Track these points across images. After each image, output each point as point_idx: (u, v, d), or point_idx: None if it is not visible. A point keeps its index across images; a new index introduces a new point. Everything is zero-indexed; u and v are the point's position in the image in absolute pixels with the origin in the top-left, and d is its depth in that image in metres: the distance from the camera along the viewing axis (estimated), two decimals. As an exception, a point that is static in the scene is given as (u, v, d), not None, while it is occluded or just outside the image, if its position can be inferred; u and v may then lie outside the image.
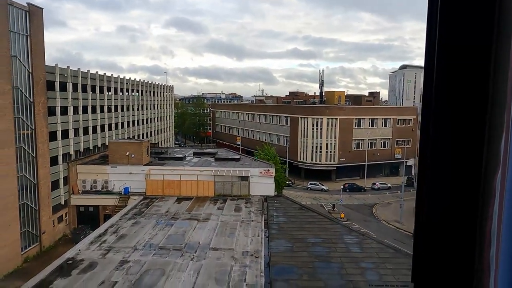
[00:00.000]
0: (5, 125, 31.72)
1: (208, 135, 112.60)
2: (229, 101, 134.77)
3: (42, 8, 37.46)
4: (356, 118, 73.20)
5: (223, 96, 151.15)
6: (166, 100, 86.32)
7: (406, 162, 63.73)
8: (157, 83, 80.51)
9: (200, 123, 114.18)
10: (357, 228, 39.12)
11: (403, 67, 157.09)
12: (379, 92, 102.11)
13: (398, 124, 76.91)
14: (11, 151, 32.28)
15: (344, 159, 71.27)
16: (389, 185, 66.80)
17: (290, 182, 66.65)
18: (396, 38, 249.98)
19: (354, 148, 73.01)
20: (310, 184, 66.49)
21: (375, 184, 67.50)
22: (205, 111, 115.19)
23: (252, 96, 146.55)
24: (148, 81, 75.27)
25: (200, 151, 51.81)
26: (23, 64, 34.52)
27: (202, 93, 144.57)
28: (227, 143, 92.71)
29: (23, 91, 34.48)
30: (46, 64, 38.49)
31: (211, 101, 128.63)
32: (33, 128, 35.51)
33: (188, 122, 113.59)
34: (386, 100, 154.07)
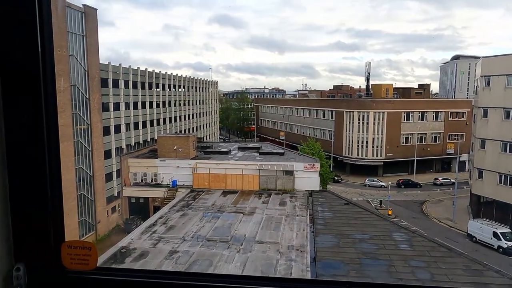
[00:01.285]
0: (65, 120, 33.85)
1: (251, 130, 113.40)
2: (273, 96, 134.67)
3: (96, 9, 39.44)
4: (404, 112, 70.44)
5: (266, 90, 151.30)
6: (211, 96, 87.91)
7: (459, 157, 60.42)
8: (202, 79, 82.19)
9: (244, 118, 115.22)
10: (406, 225, 37.81)
11: (456, 57, 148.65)
12: (429, 84, 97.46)
13: (450, 117, 73.07)
14: (69, 144, 34.43)
15: (391, 154, 68.94)
16: (452, 180, 63.01)
17: (338, 178, 65.44)
18: (447, 27, 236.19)
19: (403, 143, 70.37)
20: (368, 180, 64.29)
21: (437, 179, 64.57)
22: (249, 106, 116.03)
23: (295, 91, 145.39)
24: (193, 77, 77.01)
25: (244, 145, 52.33)
26: (79, 63, 36.56)
27: (246, 88, 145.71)
28: (270, 138, 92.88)
29: (80, 88, 36.55)
30: (99, 62, 40.54)
31: (255, 96, 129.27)
32: (89, 123, 37.59)
33: (232, 117, 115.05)
34: (437, 93, 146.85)
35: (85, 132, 37.30)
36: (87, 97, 37.42)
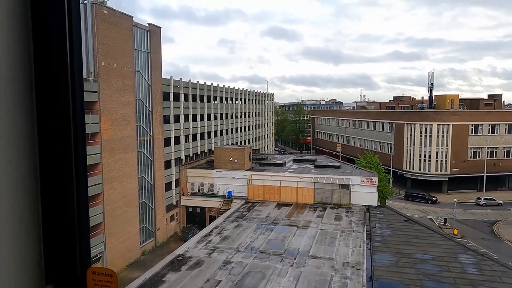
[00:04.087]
0: (130, 132, 36.03)
1: (307, 142, 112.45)
2: (329, 108, 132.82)
3: (160, 27, 41.82)
4: (472, 124, 65.79)
5: (323, 102, 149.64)
6: (267, 108, 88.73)
7: (536, 174, 55.00)
8: (258, 91, 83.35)
9: (299, 130, 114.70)
10: (474, 247, 34.99)
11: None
12: (501, 94, 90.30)
13: (526, 130, 66.94)
14: (133, 155, 36.51)
15: (457, 169, 64.50)
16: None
17: (434, 198, 60.28)
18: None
19: (470, 157, 65.61)
20: (485, 199, 58.40)
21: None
22: (305, 118, 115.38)
23: (353, 102, 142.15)
24: (250, 90, 78.37)
25: (299, 157, 51.98)
26: (144, 78, 38.85)
27: (302, 100, 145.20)
28: (326, 150, 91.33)
29: (143, 101, 38.77)
30: (162, 77, 42.78)
31: (311, 108, 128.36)
32: (151, 134, 39.63)
33: (287, 129, 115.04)
34: (510, 104, 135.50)
35: (147, 143, 39.35)
36: (150, 110, 39.55)
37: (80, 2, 30.69)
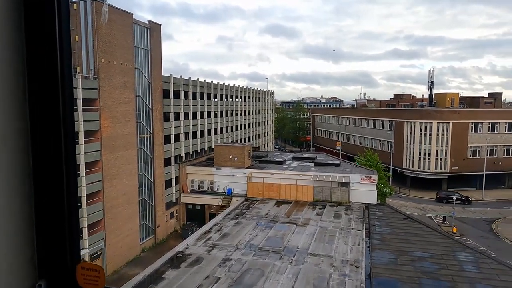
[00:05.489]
0: (130, 129, 36.08)
1: (307, 140, 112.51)
2: (329, 106, 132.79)
3: (160, 25, 41.80)
4: (472, 123, 65.77)
5: (323, 100, 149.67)
6: (267, 105, 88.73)
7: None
8: (258, 89, 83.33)
9: (299, 128, 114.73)
10: (473, 245, 35.10)
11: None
12: (501, 93, 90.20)
13: (526, 129, 66.96)
14: (134, 152, 36.58)
15: (457, 168, 64.56)
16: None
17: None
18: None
19: (470, 156, 65.64)
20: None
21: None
22: (305, 116, 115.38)
23: (353, 100, 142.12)
24: (250, 87, 78.37)
25: (299, 155, 52.05)
26: (144, 75, 38.87)
27: (302, 98, 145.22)
28: (326, 148, 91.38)
29: (143, 99, 38.80)
30: (162, 74, 42.79)
31: (311, 106, 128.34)
32: (151, 132, 39.69)
33: (287, 126, 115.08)
34: (511, 102, 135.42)
35: (147, 140, 39.42)
36: (150, 107, 39.59)
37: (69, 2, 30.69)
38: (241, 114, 71.34)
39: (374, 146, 76.16)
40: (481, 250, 29.25)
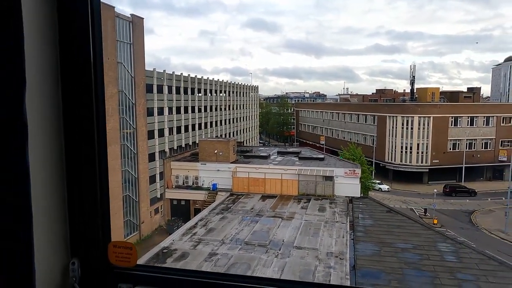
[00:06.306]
0: (113, 124, 35.56)
1: (291, 135, 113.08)
2: (313, 100, 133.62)
3: (143, 18, 41.18)
4: (452, 117, 67.30)
5: (306, 95, 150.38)
6: (251, 100, 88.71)
7: (512, 165, 56.67)
8: (242, 84, 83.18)
9: (283, 123, 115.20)
10: (453, 235, 36.05)
11: (509, 59, 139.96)
12: (479, 87, 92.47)
13: (503, 122, 68.89)
14: (117, 148, 36.10)
15: (437, 161, 66.04)
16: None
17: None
18: (495, 27, 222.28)
19: (450, 149, 67.22)
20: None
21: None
22: (289, 111, 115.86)
23: (336, 95, 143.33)
24: (234, 82, 78.13)
25: (284, 150, 52.28)
26: (127, 70, 38.31)
27: (286, 93, 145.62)
28: (310, 143, 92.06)
29: (126, 94, 38.27)
30: (145, 69, 42.24)
31: (295, 101, 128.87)
32: (134, 127, 39.22)
33: (272, 121, 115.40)
34: (488, 96, 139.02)
35: (131, 136, 38.95)
36: (133, 102, 39.08)
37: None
38: (225, 109, 71.13)
39: (357, 140, 77.14)
40: (461, 240, 30.07)
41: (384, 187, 62.66)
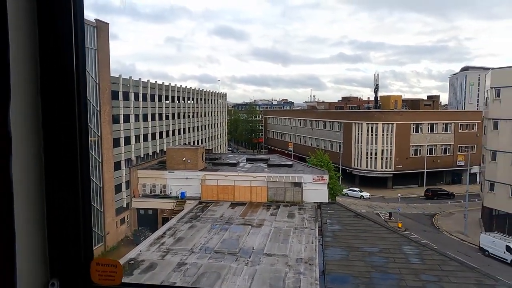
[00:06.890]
0: (75, 132, 34.34)
1: (260, 142, 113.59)
2: (281, 108, 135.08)
3: (108, 23, 40.28)
4: (414, 123, 70.08)
5: (274, 102, 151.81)
6: (219, 107, 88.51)
7: (470, 169, 59.73)
8: (210, 91, 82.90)
9: (252, 130, 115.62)
10: (417, 238, 37.31)
11: (465, 68, 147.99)
12: (438, 95, 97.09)
13: (460, 129, 72.51)
14: (80, 156, 34.87)
15: (401, 166, 68.42)
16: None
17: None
18: (450, 38, 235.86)
19: (412, 155, 69.86)
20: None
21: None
22: (257, 118, 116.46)
23: (303, 102, 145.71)
24: (202, 89, 77.73)
25: (252, 157, 52.41)
26: (91, 76, 37.24)
27: (254, 100, 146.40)
28: (279, 149, 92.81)
29: (91, 101, 37.15)
30: (110, 75, 41.22)
31: (263, 108, 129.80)
32: (99, 135, 38.08)
33: (240, 128, 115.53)
34: (446, 104, 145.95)
35: (95, 144, 37.78)
36: (98, 109, 37.99)
37: None
38: (193, 116, 70.53)
39: (325, 146, 78.60)
40: (424, 243, 31.17)
41: (366, 194, 63.21)
